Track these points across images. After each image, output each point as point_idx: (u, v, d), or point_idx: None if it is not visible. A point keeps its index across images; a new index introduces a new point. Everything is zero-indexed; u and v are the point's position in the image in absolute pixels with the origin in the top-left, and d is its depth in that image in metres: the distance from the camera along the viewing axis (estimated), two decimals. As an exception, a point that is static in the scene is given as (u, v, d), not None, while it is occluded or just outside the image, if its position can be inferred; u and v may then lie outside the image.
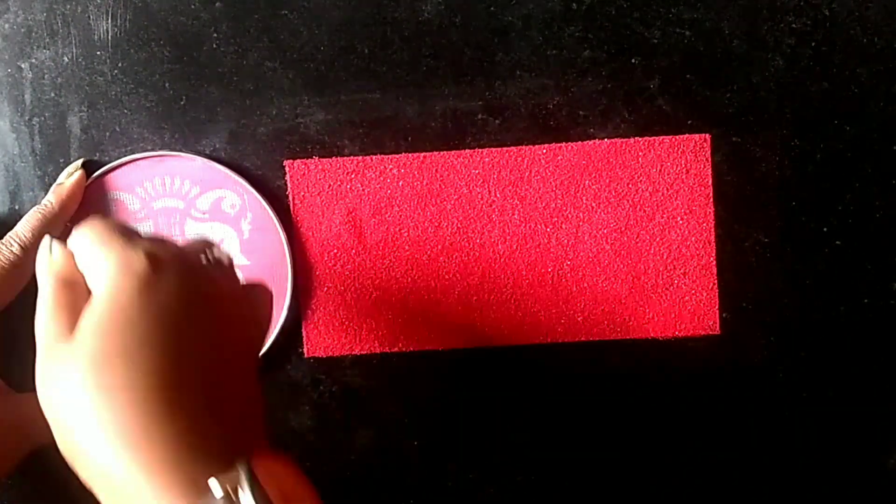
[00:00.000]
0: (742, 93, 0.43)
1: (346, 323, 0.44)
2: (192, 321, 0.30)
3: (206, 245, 0.36)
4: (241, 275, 0.41)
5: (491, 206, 0.43)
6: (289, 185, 0.43)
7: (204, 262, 0.34)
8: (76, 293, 0.31)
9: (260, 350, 0.37)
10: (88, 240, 0.31)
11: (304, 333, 0.44)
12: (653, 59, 0.43)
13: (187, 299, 0.30)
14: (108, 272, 0.30)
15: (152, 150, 0.43)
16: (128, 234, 0.32)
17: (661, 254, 0.43)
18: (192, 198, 0.44)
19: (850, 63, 0.42)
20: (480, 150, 0.43)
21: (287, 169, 0.43)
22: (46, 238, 0.33)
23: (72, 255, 0.32)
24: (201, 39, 0.43)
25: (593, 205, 0.43)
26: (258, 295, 0.37)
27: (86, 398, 0.28)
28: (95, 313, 0.29)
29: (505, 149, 0.43)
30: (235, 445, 0.29)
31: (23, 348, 0.44)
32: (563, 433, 0.44)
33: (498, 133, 0.43)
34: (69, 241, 0.32)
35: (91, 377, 0.28)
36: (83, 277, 0.31)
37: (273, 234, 0.43)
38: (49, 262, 0.32)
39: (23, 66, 0.43)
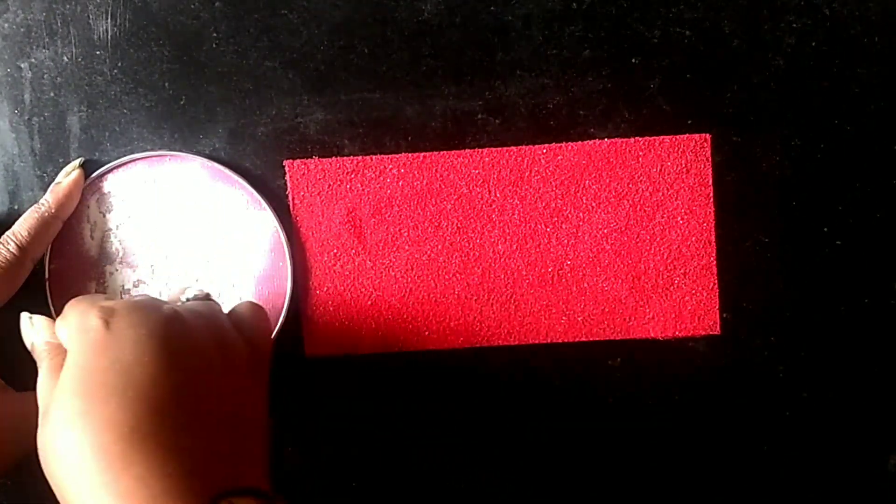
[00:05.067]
0: (742, 93, 0.43)
1: (346, 323, 0.44)
2: (151, 365, 0.32)
3: (179, 293, 0.40)
4: (222, 303, 0.42)
5: (491, 206, 0.43)
6: (289, 185, 0.43)
7: (164, 306, 0.36)
8: (62, 359, 0.33)
9: (264, 367, 0.38)
10: (64, 311, 0.35)
11: (304, 333, 0.44)
12: (653, 59, 0.43)
13: (141, 345, 0.32)
14: (71, 336, 0.33)
15: (152, 149, 0.43)
16: (91, 299, 0.35)
17: (661, 254, 0.43)
18: (192, 198, 0.44)
19: (850, 63, 0.42)
20: (480, 150, 0.43)
21: (287, 169, 0.43)
22: (24, 315, 0.37)
23: (52, 324, 0.36)
24: (201, 39, 0.43)
25: (593, 205, 0.43)
26: (244, 315, 0.39)
27: (59, 457, 0.30)
28: (65, 375, 0.32)
29: (505, 149, 0.43)
30: (213, 484, 0.30)
31: (21, 347, 0.44)
32: (563, 433, 0.44)
33: (498, 133, 0.43)
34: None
35: (69, 434, 0.30)
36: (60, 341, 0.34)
37: (273, 234, 0.43)
38: (33, 333, 0.36)
39: (22, 65, 0.43)
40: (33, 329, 0.36)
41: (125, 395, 0.31)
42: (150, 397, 0.31)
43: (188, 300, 0.39)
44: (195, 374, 0.33)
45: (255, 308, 0.40)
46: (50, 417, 0.31)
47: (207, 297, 0.40)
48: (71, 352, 0.33)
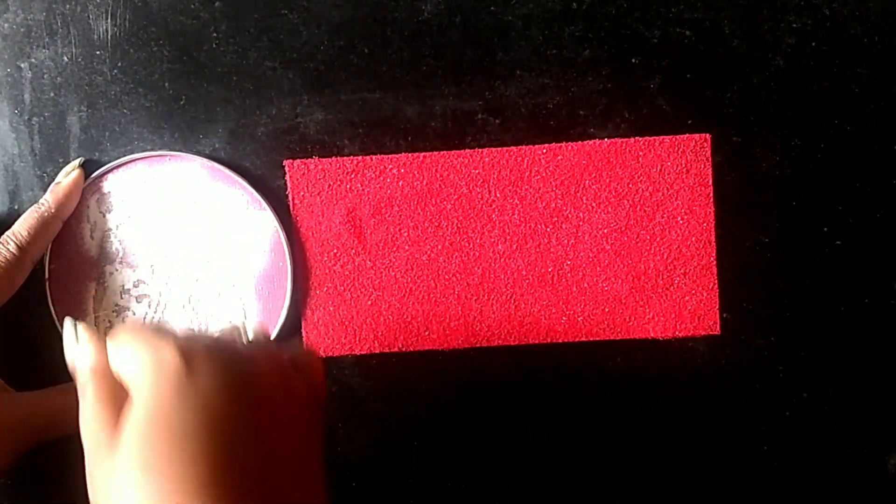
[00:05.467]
0: (742, 93, 0.43)
1: (346, 323, 0.44)
2: (233, 412, 0.30)
3: (238, 329, 0.36)
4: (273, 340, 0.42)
5: (491, 206, 0.43)
6: (288, 185, 0.43)
7: (239, 346, 0.34)
8: (115, 390, 0.31)
9: (321, 414, 0.36)
10: (122, 338, 0.31)
11: (303, 333, 0.44)
12: (653, 59, 0.43)
13: (225, 391, 0.30)
14: (143, 373, 0.30)
15: (152, 149, 0.43)
16: (159, 332, 0.32)
17: (661, 254, 0.43)
18: (192, 198, 0.44)
19: (850, 63, 0.42)
20: (480, 150, 0.43)
21: (287, 169, 0.43)
22: (68, 321, 0.34)
23: (102, 345, 0.32)
24: (201, 39, 0.43)
25: (593, 205, 0.43)
26: (304, 360, 0.37)
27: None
28: (137, 418, 0.29)
29: (505, 149, 0.43)
30: None
31: (21, 346, 0.44)
32: (563, 433, 0.44)
33: (498, 133, 0.43)
34: (108, 339, 0.32)
35: (141, 485, 0.28)
36: (117, 372, 0.31)
37: (273, 234, 0.43)
38: (80, 353, 0.32)
39: (22, 65, 0.43)
40: (78, 347, 0.33)
41: (213, 441, 0.29)
42: (238, 444, 0.29)
43: (249, 338, 0.37)
44: (267, 427, 0.31)
45: (312, 351, 0.40)
46: (115, 460, 0.29)
47: (264, 332, 0.38)
48: (145, 392, 0.30)
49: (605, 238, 0.43)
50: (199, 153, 0.43)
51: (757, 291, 0.43)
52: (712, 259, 0.43)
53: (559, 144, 0.43)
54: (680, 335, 0.43)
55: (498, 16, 0.43)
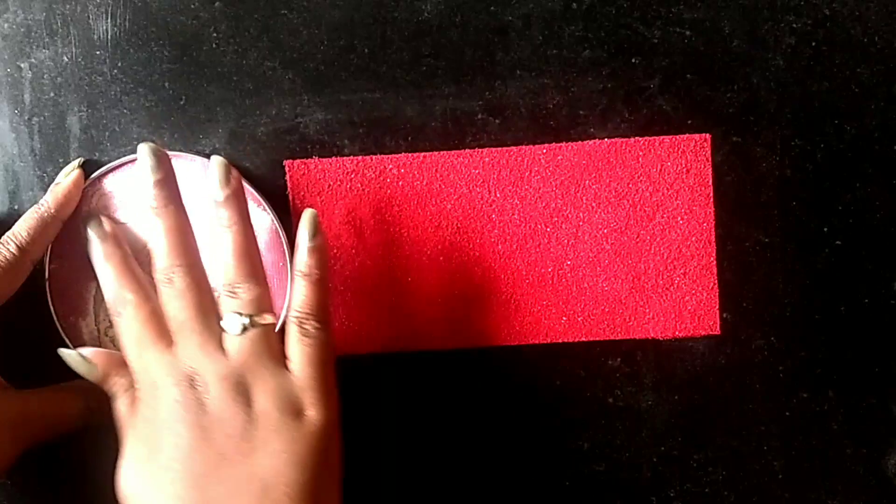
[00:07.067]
0: (742, 93, 0.43)
1: (347, 323, 0.44)
2: None
3: None
4: None
5: (491, 206, 0.43)
6: (288, 185, 0.43)
7: None
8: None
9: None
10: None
11: (303, 333, 0.44)
12: (653, 59, 0.43)
13: None
14: None
15: (152, 149, 0.43)
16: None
17: (661, 254, 0.43)
18: (192, 198, 0.44)
19: (850, 63, 0.42)
20: (480, 150, 0.43)
21: (287, 169, 0.43)
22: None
23: None
24: (201, 39, 0.43)
25: (593, 205, 0.43)
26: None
27: None
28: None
29: (505, 149, 0.43)
30: None
31: (21, 346, 0.44)
32: (563, 433, 0.44)
33: (498, 133, 0.43)
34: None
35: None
36: None
37: (273, 234, 0.43)
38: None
39: (22, 65, 0.43)
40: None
41: None
42: None
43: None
44: None
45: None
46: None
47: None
48: None
49: (605, 238, 0.43)
50: (199, 153, 0.43)
51: (757, 291, 0.43)
52: (712, 259, 0.43)
53: (559, 144, 0.43)
54: (680, 335, 0.43)
55: (498, 16, 0.43)
